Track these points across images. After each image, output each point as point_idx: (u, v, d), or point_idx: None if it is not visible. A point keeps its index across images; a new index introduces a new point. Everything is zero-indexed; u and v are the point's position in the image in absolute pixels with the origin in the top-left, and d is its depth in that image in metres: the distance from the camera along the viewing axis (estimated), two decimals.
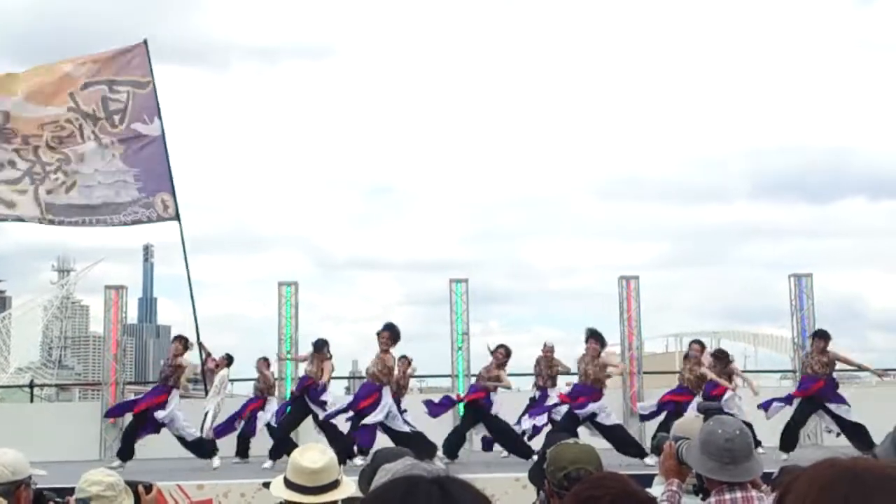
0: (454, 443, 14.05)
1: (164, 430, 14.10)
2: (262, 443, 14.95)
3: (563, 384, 14.79)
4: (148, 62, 16.84)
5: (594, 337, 13.66)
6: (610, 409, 13.83)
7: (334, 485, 3.77)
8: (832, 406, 13.58)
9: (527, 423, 14.06)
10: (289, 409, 14.61)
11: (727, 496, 3.69)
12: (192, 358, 15.01)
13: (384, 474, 2.94)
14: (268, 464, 13.30)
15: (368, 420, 13.10)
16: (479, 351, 16.45)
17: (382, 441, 12.57)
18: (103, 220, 16.46)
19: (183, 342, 14.78)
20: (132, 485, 4.28)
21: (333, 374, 15.03)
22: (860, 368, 15.00)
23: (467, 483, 1.62)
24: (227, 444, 15.10)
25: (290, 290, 17.70)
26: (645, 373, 17.85)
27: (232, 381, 16.55)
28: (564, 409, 13.44)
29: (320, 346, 14.20)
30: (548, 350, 15.10)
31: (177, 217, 16.67)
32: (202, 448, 14.02)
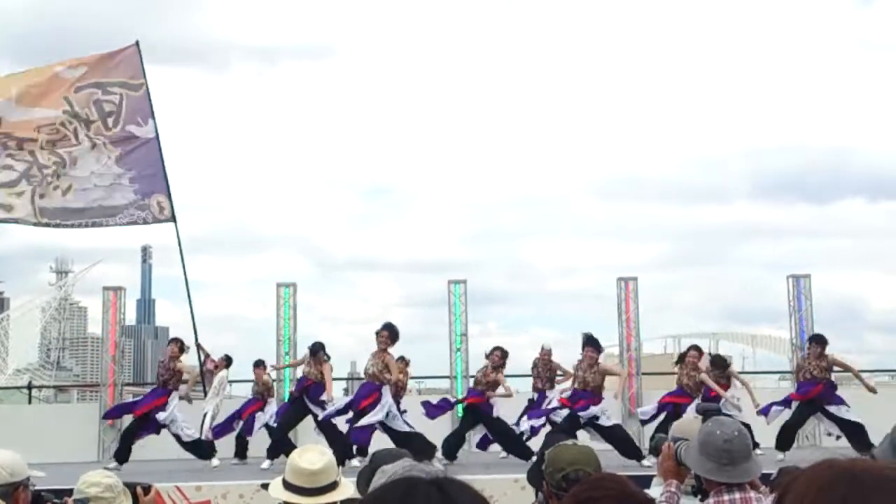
0: (453, 444, 14.06)
1: (162, 431, 14.11)
2: (260, 444, 14.94)
3: (559, 391, 14.79)
4: (140, 64, 16.84)
5: (591, 344, 13.64)
6: (610, 411, 13.85)
7: (333, 486, 3.77)
8: (832, 408, 13.61)
9: (525, 425, 14.07)
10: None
11: (725, 497, 3.69)
12: (189, 361, 15.00)
13: (382, 475, 2.94)
14: (266, 464, 13.31)
15: (366, 420, 13.09)
16: (478, 352, 16.48)
17: (382, 442, 12.56)
18: (99, 223, 16.48)
19: (179, 345, 14.72)
20: (130, 486, 4.28)
21: (333, 376, 15.06)
22: (855, 376, 15.00)
23: (466, 484, 1.62)
24: (226, 444, 15.10)
25: (289, 291, 17.70)
26: (644, 374, 17.86)
27: (231, 382, 16.56)
28: (564, 412, 13.44)
29: (316, 350, 14.15)
30: (545, 353, 15.12)
31: (173, 218, 16.67)
32: (200, 449, 14.04)
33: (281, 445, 13.33)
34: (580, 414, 13.20)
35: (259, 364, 15.89)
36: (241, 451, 15.20)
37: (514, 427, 14.11)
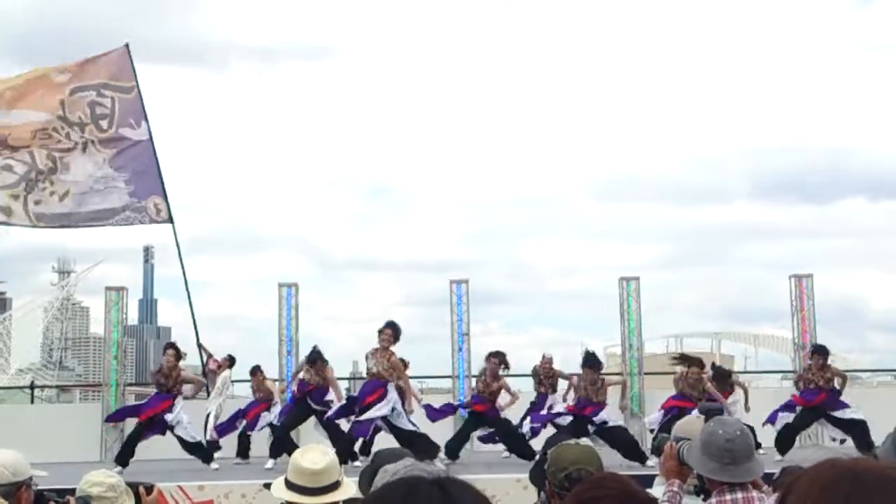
0: (456, 443, 14.08)
1: (166, 432, 14.10)
2: (263, 444, 14.96)
3: (561, 396, 14.82)
4: (131, 66, 16.85)
5: (590, 366, 13.63)
6: (614, 415, 13.94)
7: (335, 486, 3.77)
8: (836, 413, 13.71)
9: (526, 427, 14.12)
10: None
11: (728, 497, 3.69)
12: (190, 362, 14.98)
13: (385, 475, 2.94)
14: (269, 463, 13.32)
15: (368, 414, 13.08)
16: (480, 352, 16.49)
17: (385, 441, 12.57)
18: (96, 224, 16.53)
19: (175, 352, 14.54)
20: (133, 486, 4.28)
21: (335, 376, 15.08)
22: (840, 386, 14.95)
23: (468, 484, 1.62)
24: (229, 443, 15.11)
25: (291, 290, 17.71)
26: (645, 373, 17.84)
27: (234, 381, 16.57)
28: (569, 417, 13.46)
29: (314, 361, 14.05)
30: (546, 361, 15.17)
31: (170, 220, 16.69)
32: (202, 452, 13.99)
33: (283, 444, 13.35)
34: (594, 419, 13.24)
35: (256, 371, 15.73)
36: (243, 450, 15.20)
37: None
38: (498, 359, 14.26)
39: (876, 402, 15.78)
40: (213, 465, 13.79)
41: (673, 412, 13.68)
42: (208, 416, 15.19)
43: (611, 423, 13.52)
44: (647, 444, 13.24)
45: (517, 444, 13.87)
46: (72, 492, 4.11)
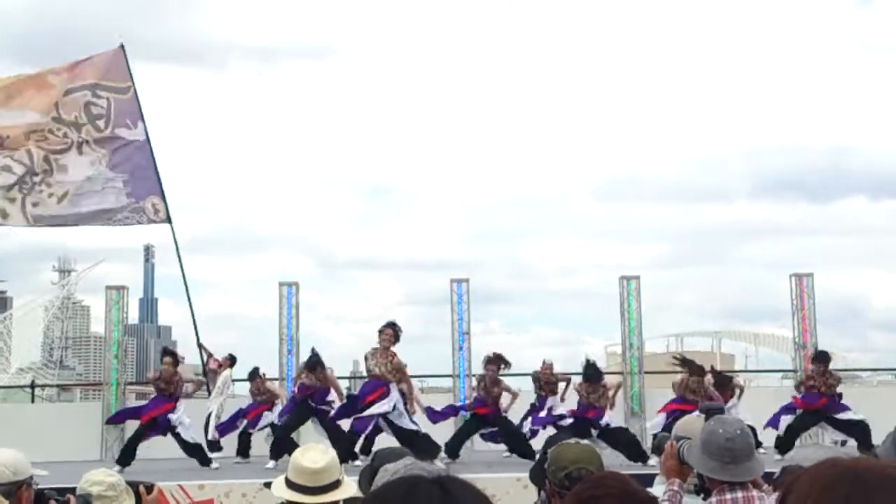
0: (456, 442, 14.08)
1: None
2: (263, 443, 14.96)
3: (559, 398, 14.83)
4: (126, 67, 16.83)
5: (591, 380, 13.62)
6: (615, 418, 13.98)
7: (335, 485, 3.77)
8: (838, 416, 13.77)
9: (526, 428, 14.15)
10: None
11: (728, 496, 3.68)
12: (186, 369, 14.97)
13: (385, 474, 2.94)
14: (271, 464, 13.30)
15: (370, 410, 13.08)
16: (480, 351, 16.50)
17: (386, 442, 12.57)
18: (94, 223, 16.53)
19: (173, 359, 14.42)
20: (133, 485, 4.28)
21: (336, 375, 15.07)
22: None
23: (468, 483, 1.62)
24: (229, 443, 15.11)
25: (291, 290, 17.71)
26: (646, 373, 17.84)
27: (235, 381, 16.56)
28: (570, 420, 13.47)
29: (313, 367, 13.97)
30: (546, 367, 15.14)
31: (168, 220, 16.69)
32: (201, 454, 13.94)
33: (284, 445, 13.31)
34: (600, 423, 13.24)
35: (254, 376, 15.65)
36: (243, 449, 15.19)
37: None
38: (496, 364, 14.21)
39: (876, 401, 15.79)
40: (214, 465, 13.78)
41: (676, 415, 13.69)
42: (209, 415, 15.18)
43: (613, 426, 13.53)
44: (647, 444, 13.25)
45: (518, 443, 13.88)
46: (72, 491, 4.11)
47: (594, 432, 13.07)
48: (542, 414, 14.37)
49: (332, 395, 14.05)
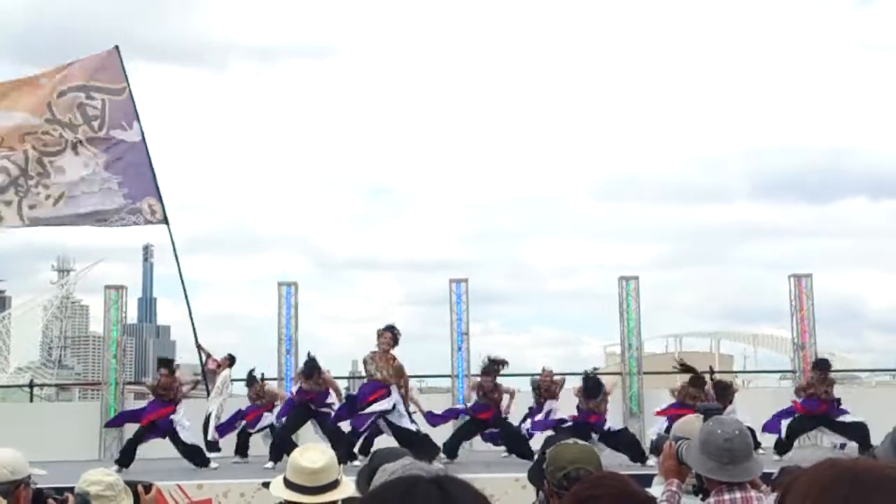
0: (454, 443, 14.08)
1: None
2: (261, 443, 14.95)
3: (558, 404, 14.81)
4: (121, 68, 16.81)
5: (590, 396, 13.54)
6: (614, 419, 13.99)
7: (334, 485, 3.77)
8: (837, 419, 13.85)
9: (523, 431, 14.15)
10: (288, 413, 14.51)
11: (726, 496, 3.68)
12: (185, 370, 14.95)
13: (383, 474, 2.93)
14: (269, 464, 13.28)
15: (371, 409, 13.07)
16: (479, 351, 16.50)
17: (385, 442, 12.57)
18: (92, 224, 16.53)
19: (168, 369, 14.30)
20: (131, 485, 4.28)
21: (334, 375, 15.04)
22: None
23: (466, 483, 1.61)
24: (227, 442, 15.10)
25: (290, 290, 17.72)
26: (645, 373, 17.85)
27: (234, 380, 16.55)
28: (570, 422, 13.46)
29: (310, 374, 13.88)
30: (546, 375, 15.10)
31: (165, 221, 16.69)
32: (200, 456, 13.89)
33: (284, 446, 13.24)
34: (602, 428, 13.22)
35: (252, 381, 15.61)
36: (242, 449, 15.17)
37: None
38: (492, 374, 14.15)
39: (875, 401, 15.80)
40: (213, 465, 13.75)
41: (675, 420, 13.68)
42: (209, 416, 15.17)
43: (613, 428, 13.52)
44: (646, 444, 13.25)
45: (518, 443, 13.84)
46: (70, 490, 4.11)
47: (595, 436, 13.06)
48: (540, 417, 14.35)
49: (332, 398, 14.04)
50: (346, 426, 13.50)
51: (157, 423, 13.86)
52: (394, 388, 13.33)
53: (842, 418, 13.85)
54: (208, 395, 16.00)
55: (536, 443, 12.95)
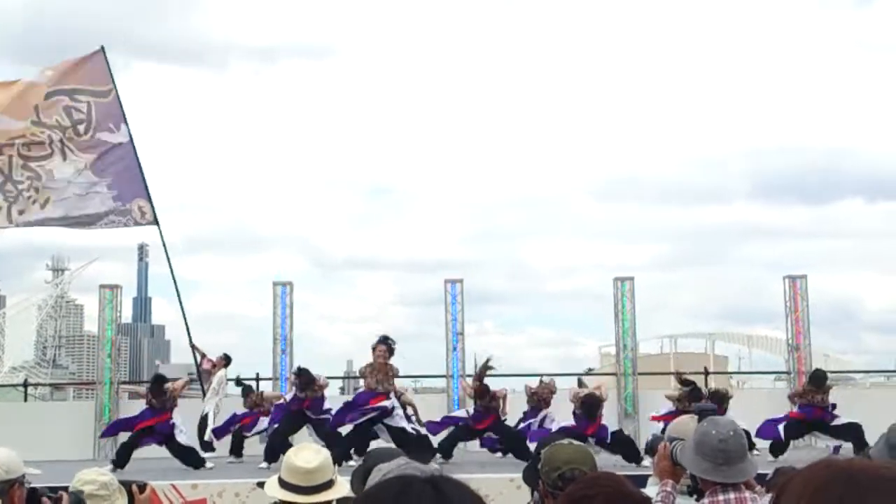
0: (449, 443, 14.07)
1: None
2: (256, 442, 14.93)
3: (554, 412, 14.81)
4: (107, 69, 16.75)
5: (589, 416, 13.47)
6: (610, 421, 13.99)
7: (329, 484, 3.76)
8: (832, 423, 13.95)
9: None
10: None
11: (721, 497, 3.69)
12: (181, 370, 14.90)
13: (378, 474, 2.93)
14: (264, 464, 13.24)
15: (371, 406, 13.10)
16: (474, 351, 16.52)
17: (381, 443, 12.57)
18: (81, 226, 16.51)
19: (159, 386, 13.98)
20: (126, 484, 4.27)
21: (329, 375, 15.02)
22: None
23: (461, 483, 1.61)
24: (222, 442, 15.09)
25: (286, 289, 17.71)
26: (640, 374, 17.86)
27: (230, 380, 16.54)
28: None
29: (305, 386, 13.79)
30: (545, 387, 15.05)
31: (155, 222, 16.66)
32: (196, 458, 13.83)
33: (278, 446, 13.19)
34: (606, 442, 13.20)
35: (248, 392, 15.64)
36: (237, 448, 15.15)
37: None
38: (487, 395, 14.08)
39: (869, 402, 15.83)
40: (209, 465, 13.72)
41: None
42: (205, 416, 15.14)
43: (610, 430, 13.52)
44: (641, 445, 13.27)
45: (517, 444, 13.79)
46: (65, 490, 4.10)
47: (591, 440, 13.05)
48: (535, 426, 14.30)
49: (328, 404, 14.00)
50: (344, 431, 13.48)
51: (155, 429, 13.76)
52: (391, 394, 13.42)
53: (836, 422, 13.95)
54: (203, 395, 15.97)
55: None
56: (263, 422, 14.86)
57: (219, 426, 15.12)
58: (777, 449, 13.72)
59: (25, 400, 22.12)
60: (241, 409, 15.54)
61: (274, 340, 17.45)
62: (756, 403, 15.79)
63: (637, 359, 18.01)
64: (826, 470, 1.49)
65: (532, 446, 13.58)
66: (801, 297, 17.50)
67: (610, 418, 14.60)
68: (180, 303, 17.09)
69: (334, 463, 3.94)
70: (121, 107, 16.63)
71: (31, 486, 4.01)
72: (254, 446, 14.84)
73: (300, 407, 13.83)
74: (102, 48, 16.90)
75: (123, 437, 14.30)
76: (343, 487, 3.78)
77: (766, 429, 14.02)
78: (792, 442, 14.32)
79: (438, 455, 13.41)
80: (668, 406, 14.23)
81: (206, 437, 14.79)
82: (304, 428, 14.11)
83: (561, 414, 14.24)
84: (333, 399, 14.95)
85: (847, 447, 13.60)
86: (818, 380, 14.42)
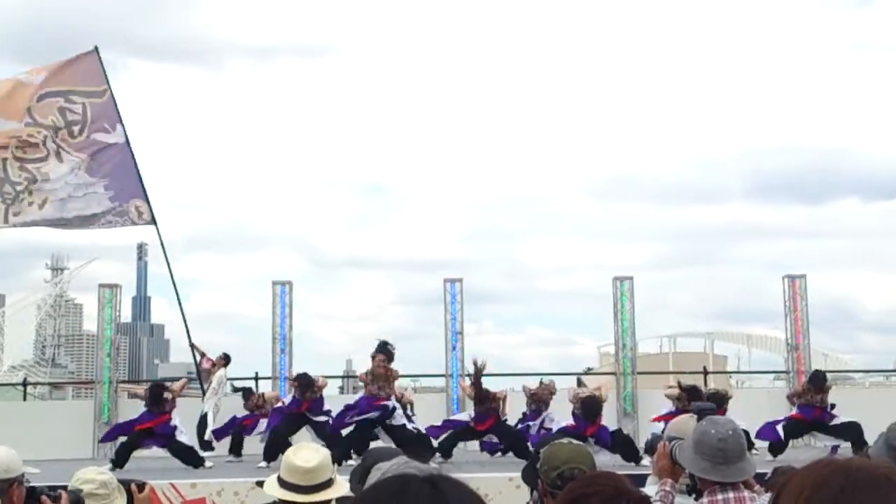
0: (449, 442, 14.07)
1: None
2: (255, 442, 14.92)
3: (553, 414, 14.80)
4: (101, 69, 16.71)
5: (588, 419, 13.44)
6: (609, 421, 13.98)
7: (328, 484, 3.76)
8: (831, 423, 14.01)
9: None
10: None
11: (719, 496, 3.69)
12: (179, 369, 14.91)
13: (376, 473, 2.93)
14: (263, 464, 13.23)
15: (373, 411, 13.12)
16: (474, 351, 16.51)
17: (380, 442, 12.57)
18: (78, 228, 16.50)
19: (158, 397, 13.86)
20: (125, 483, 4.27)
21: (328, 374, 15.01)
22: None
23: (460, 482, 1.61)
24: (221, 441, 15.09)
25: (285, 289, 17.72)
26: (639, 373, 17.86)
27: (230, 379, 16.53)
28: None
29: (305, 391, 13.80)
30: (545, 388, 15.02)
31: (153, 222, 16.64)
32: (195, 457, 13.81)
33: (277, 445, 13.15)
34: (606, 442, 13.18)
35: (249, 395, 15.65)
36: (236, 447, 15.14)
37: None
38: (487, 400, 14.09)
39: (868, 402, 15.86)
40: (208, 464, 13.70)
41: None
42: (204, 415, 15.13)
43: (609, 430, 13.52)
44: (640, 444, 13.26)
45: (518, 443, 13.77)
46: (64, 489, 4.10)
47: (591, 440, 13.04)
48: (535, 428, 14.27)
49: (328, 405, 13.99)
50: (344, 430, 13.48)
51: (154, 430, 13.73)
52: (392, 398, 13.47)
53: (835, 421, 13.96)
54: (203, 394, 15.97)
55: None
56: (263, 423, 14.85)
57: (219, 428, 15.10)
58: (776, 448, 13.74)
59: (24, 399, 22.12)
60: (240, 411, 15.53)
61: (273, 340, 17.45)
62: (755, 403, 15.79)
63: (636, 358, 18.01)
64: (825, 468, 1.49)
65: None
66: (800, 296, 17.52)
67: (609, 418, 14.59)
68: (179, 303, 17.11)
69: (334, 462, 3.95)
70: (116, 107, 16.60)
71: (31, 484, 4.01)
72: (253, 445, 14.83)
73: (299, 409, 13.83)
74: (96, 48, 16.87)
75: (123, 437, 14.31)
76: (342, 487, 3.78)
77: (766, 431, 14.02)
78: (791, 441, 14.33)
79: (438, 454, 13.42)
80: (669, 406, 14.23)
81: (206, 437, 14.79)
82: (304, 430, 14.10)
83: (561, 414, 14.23)
84: (332, 399, 14.97)
85: (845, 447, 13.61)
86: (817, 380, 14.46)
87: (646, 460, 11.34)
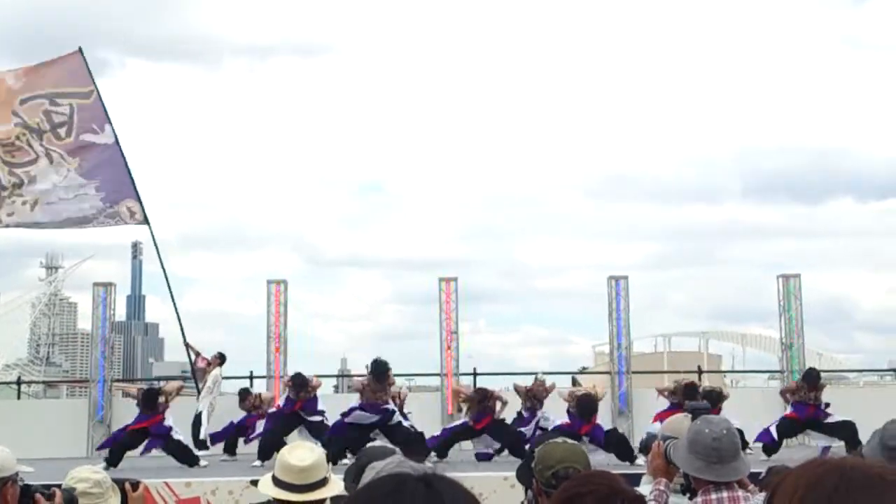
0: (444, 442, 14.06)
1: None
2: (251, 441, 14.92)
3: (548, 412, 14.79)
4: (87, 70, 16.63)
5: (582, 417, 13.44)
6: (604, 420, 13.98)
7: (322, 483, 3.76)
8: (826, 421, 14.03)
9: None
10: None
11: (713, 496, 3.69)
12: (173, 367, 14.90)
13: (371, 472, 2.93)
14: (257, 462, 13.22)
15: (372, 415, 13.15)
16: (468, 350, 16.50)
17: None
18: (69, 227, 16.48)
19: (152, 403, 13.91)
20: (119, 482, 4.26)
21: (323, 373, 14.99)
22: None
23: (454, 481, 1.61)
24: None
25: (280, 287, 17.70)
26: (633, 372, 17.88)
27: (225, 378, 16.52)
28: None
29: (299, 389, 13.83)
30: (539, 384, 14.98)
31: (145, 222, 16.61)
32: (190, 456, 13.78)
33: (272, 444, 13.13)
34: (599, 440, 13.18)
35: (246, 396, 15.66)
36: (230, 447, 15.14)
37: None
38: (483, 402, 14.13)
39: (863, 401, 15.88)
40: (203, 463, 13.69)
41: None
42: (199, 414, 15.11)
43: (604, 429, 13.53)
44: (635, 443, 13.27)
45: (514, 442, 13.76)
46: (58, 487, 4.09)
47: (585, 439, 13.03)
48: (532, 429, 14.25)
49: (322, 405, 13.98)
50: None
51: (150, 430, 13.71)
52: (389, 402, 13.50)
53: (829, 420, 14.00)
54: (198, 393, 15.96)
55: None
56: (261, 425, 14.83)
57: (217, 432, 15.08)
58: (770, 448, 13.76)
59: (19, 398, 22.10)
60: (236, 411, 15.49)
61: (268, 338, 17.44)
62: (749, 402, 15.81)
63: (631, 357, 18.04)
64: (819, 468, 1.49)
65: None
66: (794, 295, 17.54)
67: (604, 417, 14.61)
68: (173, 301, 17.08)
69: (329, 462, 3.94)
70: (104, 107, 16.53)
71: (25, 483, 4.00)
72: (248, 446, 14.82)
73: (293, 409, 13.82)
74: (80, 49, 16.80)
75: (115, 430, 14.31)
76: (337, 486, 3.78)
77: (762, 436, 14.04)
78: (785, 441, 14.36)
79: (433, 454, 13.42)
80: (666, 403, 14.25)
81: (201, 436, 14.77)
82: (297, 431, 14.08)
83: (556, 412, 14.23)
84: (327, 398, 14.97)
85: (839, 446, 13.63)
86: (811, 377, 14.49)
87: (640, 459, 11.35)
